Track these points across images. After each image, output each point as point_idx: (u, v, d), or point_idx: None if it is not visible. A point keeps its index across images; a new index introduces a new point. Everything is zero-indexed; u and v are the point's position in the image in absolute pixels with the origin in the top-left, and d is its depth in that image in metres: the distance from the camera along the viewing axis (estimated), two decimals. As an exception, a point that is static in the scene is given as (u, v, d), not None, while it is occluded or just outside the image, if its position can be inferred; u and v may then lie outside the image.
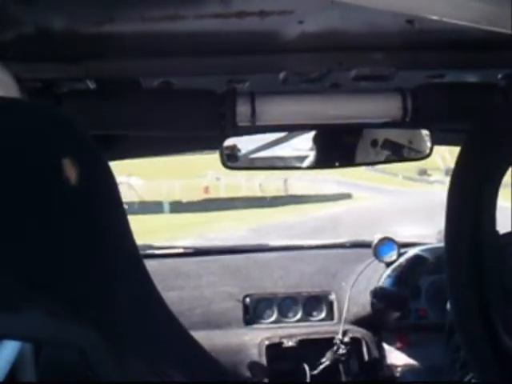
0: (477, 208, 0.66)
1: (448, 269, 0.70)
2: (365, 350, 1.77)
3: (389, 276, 1.77)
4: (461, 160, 0.69)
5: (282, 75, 0.98)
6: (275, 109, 1.00)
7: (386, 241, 1.84)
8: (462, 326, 0.70)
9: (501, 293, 0.68)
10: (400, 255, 1.83)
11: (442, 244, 0.71)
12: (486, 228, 0.67)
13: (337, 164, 1.28)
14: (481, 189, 0.67)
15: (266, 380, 1.75)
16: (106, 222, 0.44)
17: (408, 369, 1.76)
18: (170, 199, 20.04)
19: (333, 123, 1.06)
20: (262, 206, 19.44)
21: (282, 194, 26.31)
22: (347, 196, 27.97)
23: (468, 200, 0.67)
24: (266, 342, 1.75)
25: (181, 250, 2.10)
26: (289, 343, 1.75)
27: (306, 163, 1.26)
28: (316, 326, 1.82)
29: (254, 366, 1.73)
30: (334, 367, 1.76)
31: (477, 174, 0.68)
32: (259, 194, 24.85)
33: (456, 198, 0.69)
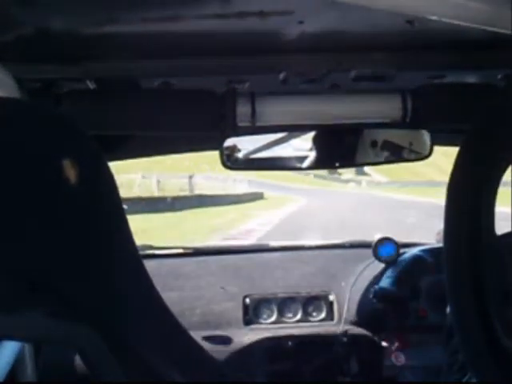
0: (476, 208, 0.67)
1: (447, 269, 0.70)
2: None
3: (388, 276, 1.77)
4: (459, 160, 0.69)
5: (282, 76, 0.98)
6: (275, 109, 1.00)
7: (386, 241, 1.84)
8: (460, 326, 0.70)
9: (500, 293, 0.68)
10: (400, 255, 1.83)
11: (441, 244, 0.71)
12: (485, 228, 0.67)
13: (337, 164, 1.28)
14: (480, 189, 0.67)
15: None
16: (105, 222, 0.44)
17: (408, 369, 1.76)
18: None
19: (333, 124, 1.06)
20: (161, 210, 14.39)
21: (187, 193, 21.22)
22: (259, 196, 25.73)
23: (467, 200, 0.67)
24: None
25: (180, 251, 2.10)
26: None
27: (306, 163, 1.27)
28: (316, 327, 1.82)
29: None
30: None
31: (476, 175, 0.68)
32: (157, 193, 19.38)
33: (455, 198, 0.69)
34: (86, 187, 0.42)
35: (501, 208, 0.84)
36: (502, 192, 0.72)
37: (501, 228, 0.71)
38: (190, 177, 23.62)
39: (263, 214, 16.10)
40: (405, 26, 0.82)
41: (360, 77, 0.99)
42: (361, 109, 1.02)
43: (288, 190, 30.36)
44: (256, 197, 24.95)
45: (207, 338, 1.69)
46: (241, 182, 29.25)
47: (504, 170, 0.68)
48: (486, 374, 0.70)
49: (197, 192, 22.14)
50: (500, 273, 0.68)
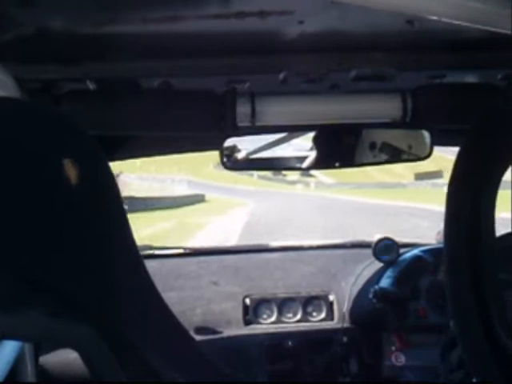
0: (476, 209, 0.67)
1: (447, 270, 0.70)
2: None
3: (388, 276, 1.77)
4: (459, 161, 0.69)
5: (281, 76, 0.98)
6: (275, 109, 1.00)
7: (386, 241, 1.84)
8: (460, 326, 0.70)
9: (500, 294, 0.68)
10: (400, 255, 1.83)
11: (441, 245, 0.71)
12: (484, 229, 0.67)
13: (337, 164, 1.28)
14: (480, 189, 0.67)
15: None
16: (105, 221, 0.44)
17: (408, 369, 1.76)
18: None
19: (333, 124, 1.06)
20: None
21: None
22: (201, 198, 23.74)
23: (467, 201, 0.67)
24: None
25: (181, 251, 2.11)
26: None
27: (306, 163, 1.27)
28: (316, 327, 1.82)
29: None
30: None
31: (476, 175, 0.68)
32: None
33: (455, 198, 0.69)
34: (86, 187, 0.42)
35: (501, 214, 0.83)
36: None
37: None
38: (117, 175, 20.83)
39: (210, 222, 12.99)
40: (405, 26, 0.82)
41: (360, 77, 0.99)
42: (361, 109, 1.02)
43: (231, 192, 28.10)
44: (197, 199, 22.79)
45: (206, 338, 1.69)
46: (180, 182, 26.76)
47: (504, 170, 0.68)
48: (486, 374, 0.70)
49: (126, 193, 19.03)
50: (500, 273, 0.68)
